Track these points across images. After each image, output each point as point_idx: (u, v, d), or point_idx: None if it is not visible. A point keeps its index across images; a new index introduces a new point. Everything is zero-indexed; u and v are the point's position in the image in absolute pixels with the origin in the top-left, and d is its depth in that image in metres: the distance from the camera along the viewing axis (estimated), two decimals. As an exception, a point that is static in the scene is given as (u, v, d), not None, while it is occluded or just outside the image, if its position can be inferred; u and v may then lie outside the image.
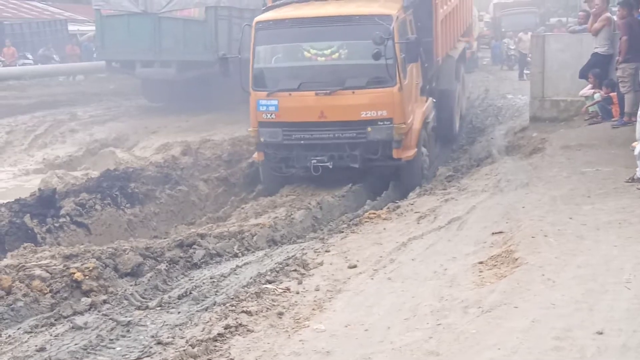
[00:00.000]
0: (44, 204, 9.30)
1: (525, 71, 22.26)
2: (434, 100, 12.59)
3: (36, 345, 5.13)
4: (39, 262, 6.62)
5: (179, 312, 5.65)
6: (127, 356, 4.91)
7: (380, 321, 4.93)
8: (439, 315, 4.85)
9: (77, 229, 9.16)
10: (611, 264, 5.31)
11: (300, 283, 5.98)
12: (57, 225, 8.96)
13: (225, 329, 4.98)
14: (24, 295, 6.02)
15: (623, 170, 8.27)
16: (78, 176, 12.22)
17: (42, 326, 5.56)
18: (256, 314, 5.24)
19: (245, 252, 7.61)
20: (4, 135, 16.66)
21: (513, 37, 27.47)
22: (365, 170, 10.52)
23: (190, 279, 6.66)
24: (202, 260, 7.18)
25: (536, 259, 5.54)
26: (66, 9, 36.60)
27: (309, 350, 4.56)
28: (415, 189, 10.04)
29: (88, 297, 6.14)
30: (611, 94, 11.58)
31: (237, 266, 6.86)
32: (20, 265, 6.53)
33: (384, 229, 7.64)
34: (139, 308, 5.83)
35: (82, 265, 6.50)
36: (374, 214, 8.45)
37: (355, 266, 6.36)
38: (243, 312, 5.27)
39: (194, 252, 7.29)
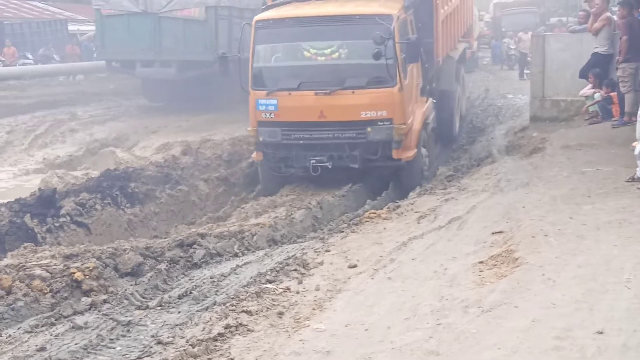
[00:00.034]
0: (44, 203, 9.30)
1: (525, 71, 22.26)
2: (434, 101, 12.57)
3: (36, 345, 5.14)
4: (39, 262, 6.62)
5: (179, 312, 5.66)
6: (127, 356, 4.91)
7: (381, 321, 4.93)
8: (439, 314, 4.85)
9: (78, 229, 9.16)
10: (611, 264, 5.31)
11: (300, 283, 5.98)
12: (57, 225, 8.96)
13: (226, 328, 4.98)
14: (24, 295, 6.02)
15: (623, 170, 8.27)
16: (78, 176, 12.22)
17: (43, 326, 5.56)
18: (256, 314, 5.24)
19: (246, 251, 7.61)
20: (4, 135, 16.67)
21: (513, 36, 27.46)
22: (364, 170, 10.50)
23: (190, 279, 6.67)
24: (202, 260, 7.18)
25: (536, 259, 5.54)
26: (66, 9, 36.62)
27: (309, 349, 4.56)
28: (415, 189, 10.03)
29: (88, 296, 6.14)
30: (611, 94, 11.58)
31: (237, 266, 6.86)
32: (21, 265, 6.53)
33: (384, 228, 7.64)
34: (139, 308, 5.84)
35: (82, 265, 6.51)
36: (374, 213, 8.45)
37: (355, 266, 6.36)
38: (243, 311, 5.27)
39: (194, 252, 7.29)
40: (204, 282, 6.40)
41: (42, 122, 17.74)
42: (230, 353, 4.64)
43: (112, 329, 5.36)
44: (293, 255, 6.94)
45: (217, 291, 6.11)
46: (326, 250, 6.97)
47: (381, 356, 4.33)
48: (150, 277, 6.55)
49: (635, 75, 10.71)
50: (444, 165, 12.03)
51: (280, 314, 5.27)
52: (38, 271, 6.33)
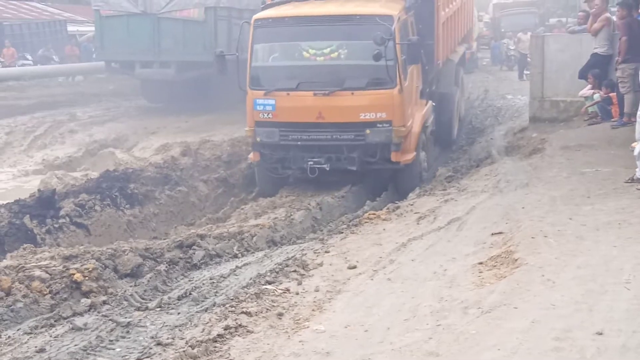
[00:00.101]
0: (44, 204, 9.30)
1: (525, 71, 22.27)
2: (434, 103, 12.54)
3: (36, 346, 5.13)
4: (39, 263, 6.61)
5: (178, 313, 5.66)
6: (126, 357, 4.91)
7: (380, 322, 4.93)
8: (439, 315, 4.85)
9: (77, 230, 9.16)
10: (611, 265, 5.31)
11: (300, 284, 5.98)
12: (56, 226, 8.96)
13: (225, 329, 4.98)
14: (24, 296, 6.02)
15: (622, 171, 8.27)
16: (77, 177, 12.22)
17: (42, 327, 5.56)
18: (256, 315, 5.24)
19: (245, 252, 7.61)
20: (4, 136, 16.65)
21: (512, 37, 27.47)
22: (362, 173, 10.46)
23: (190, 280, 6.66)
24: (201, 261, 7.18)
25: (536, 260, 5.54)
26: (66, 10, 36.63)
27: (308, 351, 4.56)
28: (415, 190, 10.02)
29: (88, 298, 6.14)
30: (611, 95, 11.58)
31: (236, 267, 6.86)
32: (20, 266, 6.52)
33: (384, 229, 7.64)
34: (138, 309, 5.84)
35: (81, 266, 6.50)
36: (374, 214, 8.45)
37: (354, 267, 6.36)
38: (243, 313, 5.27)
39: (194, 253, 7.29)
40: (203, 283, 6.40)
41: (42, 123, 17.74)
42: (229, 354, 4.64)
43: (112, 330, 5.36)
44: (292, 257, 6.94)
45: (216, 292, 6.11)
46: (326, 251, 6.97)
47: (381, 357, 4.33)
48: (150, 278, 6.54)
49: (635, 76, 10.69)
50: (444, 166, 12.03)
51: (280, 315, 5.27)
52: (37, 272, 6.33)
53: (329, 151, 10.25)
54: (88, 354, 4.98)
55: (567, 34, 14.99)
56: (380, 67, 9.84)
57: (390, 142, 10.15)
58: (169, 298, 6.02)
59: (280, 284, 6.00)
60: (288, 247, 7.74)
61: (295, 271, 6.31)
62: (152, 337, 5.16)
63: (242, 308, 5.37)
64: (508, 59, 27.45)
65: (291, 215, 9.11)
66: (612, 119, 11.40)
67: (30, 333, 5.46)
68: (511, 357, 4.03)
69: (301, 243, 7.86)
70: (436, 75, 12.92)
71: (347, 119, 10.12)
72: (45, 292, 6.15)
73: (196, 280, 6.58)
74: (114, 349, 5.05)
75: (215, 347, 4.76)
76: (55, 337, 5.33)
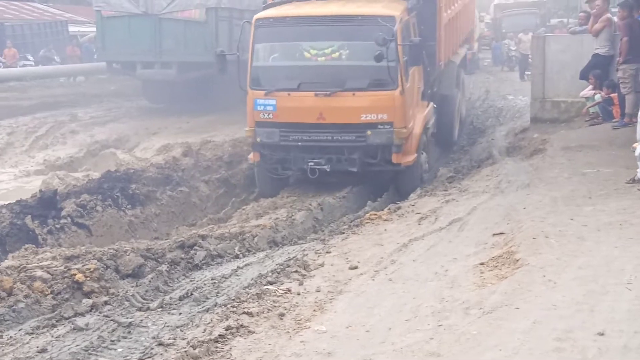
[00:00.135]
0: (45, 205, 9.30)
1: (526, 72, 22.27)
2: (435, 105, 12.51)
3: (37, 347, 5.13)
4: (40, 264, 6.62)
5: (180, 314, 5.66)
6: (128, 357, 4.91)
7: (381, 322, 4.93)
8: (440, 316, 4.85)
9: (78, 230, 9.17)
10: (612, 265, 5.31)
11: (301, 284, 5.98)
12: (58, 226, 8.96)
13: (227, 330, 4.98)
14: (25, 296, 6.02)
15: (624, 172, 8.27)
16: (79, 177, 12.22)
17: (44, 327, 5.56)
18: (257, 315, 5.24)
19: (246, 253, 7.61)
20: (5, 137, 16.66)
21: (514, 38, 27.47)
22: (363, 174, 10.43)
23: (191, 280, 6.67)
24: (203, 262, 7.19)
25: (537, 260, 5.54)
26: (67, 10, 36.68)
27: (310, 351, 4.56)
28: (416, 190, 10.01)
29: (89, 298, 6.15)
30: (612, 95, 11.59)
31: (238, 267, 6.86)
32: (22, 266, 6.53)
33: (385, 230, 7.64)
34: (140, 309, 5.84)
35: (83, 266, 6.51)
36: (375, 215, 8.45)
37: (356, 267, 6.36)
38: (244, 313, 5.27)
39: (195, 253, 7.29)
40: (204, 284, 6.40)
41: (43, 124, 17.75)
42: (231, 354, 4.64)
43: (113, 330, 5.36)
44: (294, 257, 6.94)
45: (218, 292, 6.11)
46: (327, 252, 6.97)
47: (382, 357, 4.33)
48: (151, 278, 6.55)
49: (636, 77, 10.71)
50: (445, 167, 12.03)
51: (281, 315, 5.27)
52: (39, 273, 6.33)
53: (330, 152, 10.22)
54: (89, 354, 4.98)
55: (568, 34, 15.01)
56: (382, 68, 9.81)
57: (391, 143, 10.12)
58: (171, 298, 6.02)
59: (282, 284, 6.00)
60: (289, 247, 7.75)
61: (296, 271, 6.31)
62: (154, 338, 5.16)
63: (244, 308, 5.37)
64: (509, 60, 27.45)
65: (292, 215, 9.11)
66: (613, 120, 11.40)
67: (32, 333, 5.46)
68: (512, 358, 4.03)
69: (302, 243, 7.87)
70: (438, 77, 12.89)
71: (348, 120, 10.09)
72: (46, 293, 6.16)
73: (197, 281, 6.58)
74: (115, 349, 5.05)
75: (216, 347, 4.76)
76: (56, 337, 5.33)
